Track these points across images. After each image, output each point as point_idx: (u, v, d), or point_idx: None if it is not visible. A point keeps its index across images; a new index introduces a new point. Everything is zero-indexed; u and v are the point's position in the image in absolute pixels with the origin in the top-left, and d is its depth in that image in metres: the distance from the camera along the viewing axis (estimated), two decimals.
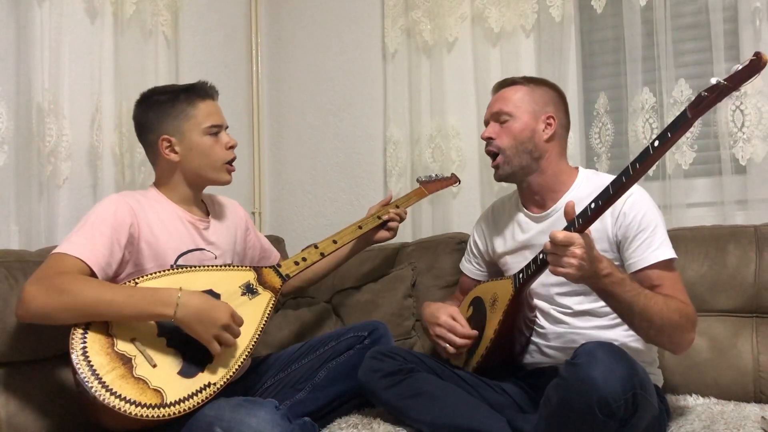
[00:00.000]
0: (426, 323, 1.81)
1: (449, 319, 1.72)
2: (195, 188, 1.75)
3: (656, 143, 1.32)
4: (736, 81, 1.22)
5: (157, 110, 1.70)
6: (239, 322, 1.54)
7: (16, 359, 1.57)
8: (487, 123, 1.80)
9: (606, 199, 1.39)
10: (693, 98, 1.29)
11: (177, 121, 1.69)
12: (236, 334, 1.53)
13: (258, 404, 1.43)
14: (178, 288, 1.48)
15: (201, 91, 1.73)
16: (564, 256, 1.37)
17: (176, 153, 1.69)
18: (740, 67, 1.21)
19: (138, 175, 2.12)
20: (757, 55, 1.18)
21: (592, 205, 1.40)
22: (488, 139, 1.76)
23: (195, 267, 1.64)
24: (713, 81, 1.24)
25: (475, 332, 1.70)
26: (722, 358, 1.84)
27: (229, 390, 1.52)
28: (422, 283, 2.21)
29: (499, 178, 1.78)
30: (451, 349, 1.71)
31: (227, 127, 1.77)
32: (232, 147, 1.75)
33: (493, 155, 1.76)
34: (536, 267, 1.55)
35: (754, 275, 1.85)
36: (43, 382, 1.61)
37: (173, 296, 1.46)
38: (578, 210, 1.43)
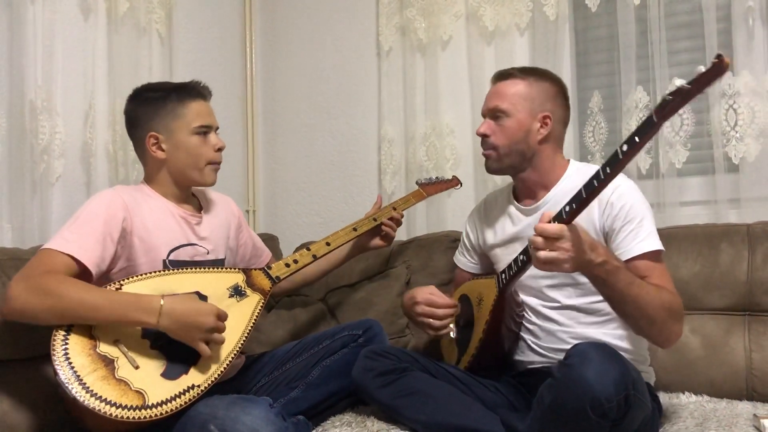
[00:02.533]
0: (407, 309, 1.79)
1: (427, 295, 1.72)
2: (182, 187, 1.74)
3: (625, 147, 1.31)
4: (699, 84, 1.18)
5: (148, 107, 1.70)
6: (224, 318, 1.53)
7: (10, 357, 1.57)
8: (484, 116, 1.77)
9: (579, 202, 1.38)
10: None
11: (166, 119, 1.68)
12: (222, 330, 1.51)
13: (252, 402, 1.43)
14: (160, 296, 1.46)
15: (193, 91, 1.72)
16: (552, 251, 1.35)
17: (162, 150, 1.69)
18: (703, 70, 1.17)
19: (131, 173, 2.12)
20: (719, 57, 1.15)
21: (567, 208, 1.39)
22: (483, 136, 1.74)
23: (184, 269, 1.63)
24: (677, 83, 1.21)
25: (454, 301, 1.70)
26: (715, 356, 1.85)
27: (222, 388, 1.52)
28: (417, 281, 2.21)
29: (489, 170, 1.78)
30: (435, 322, 1.69)
31: (218, 129, 1.75)
32: (220, 149, 1.74)
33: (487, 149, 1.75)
34: (517, 268, 1.55)
35: (746, 273, 1.86)
36: (38, 380, 1.61)
37: (156, 304, 1.44)
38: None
